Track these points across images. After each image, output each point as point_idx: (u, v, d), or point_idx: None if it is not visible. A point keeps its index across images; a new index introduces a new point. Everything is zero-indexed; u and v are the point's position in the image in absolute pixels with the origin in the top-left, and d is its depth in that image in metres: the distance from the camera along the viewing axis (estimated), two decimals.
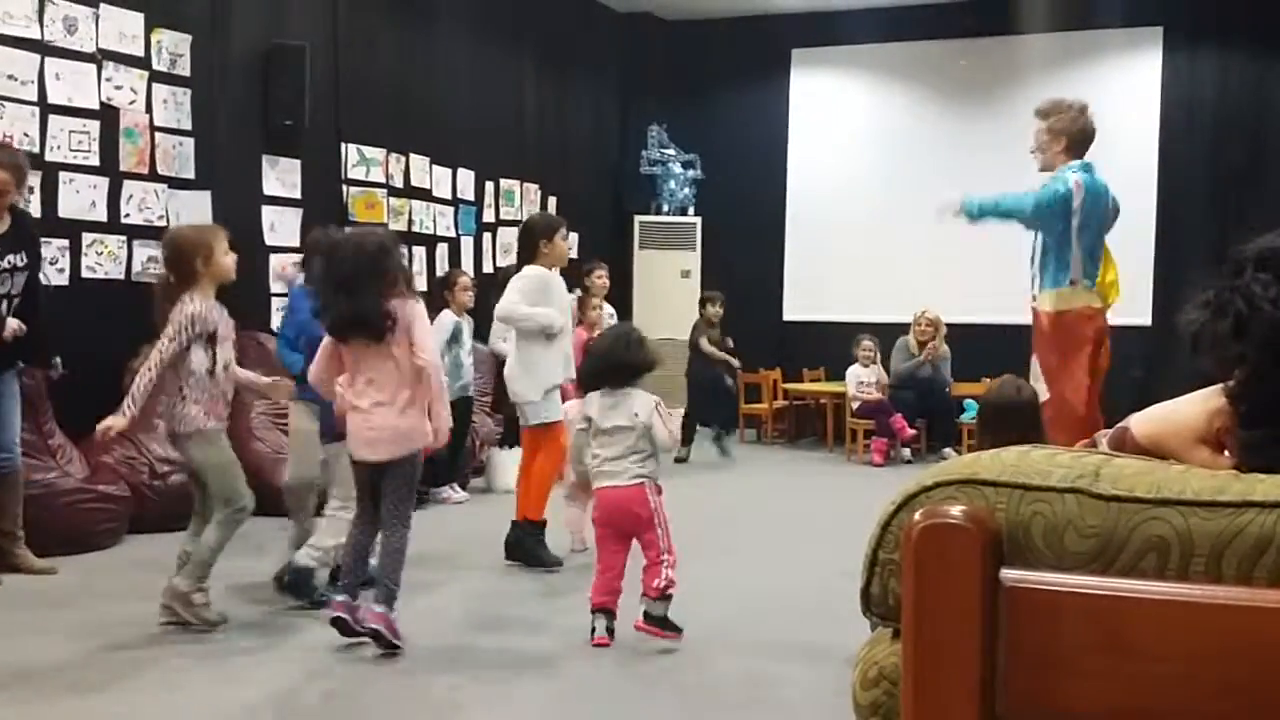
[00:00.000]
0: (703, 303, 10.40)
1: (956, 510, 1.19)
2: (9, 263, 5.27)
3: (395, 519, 4.44)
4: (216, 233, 4.81)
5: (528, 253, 5.94)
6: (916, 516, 1.20)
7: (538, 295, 5.80)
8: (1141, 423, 1.47)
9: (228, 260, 4.76)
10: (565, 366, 5.92)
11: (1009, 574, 1.18)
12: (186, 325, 4.54)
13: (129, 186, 6.95)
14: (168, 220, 7.13)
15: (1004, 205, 5.47)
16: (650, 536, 4.52)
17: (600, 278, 9.41)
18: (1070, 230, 5.29)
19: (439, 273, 9.05)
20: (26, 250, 5.37)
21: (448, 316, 7.70)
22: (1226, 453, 1.43)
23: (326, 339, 4.47)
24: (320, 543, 4.97)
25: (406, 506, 4.48)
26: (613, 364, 4.61)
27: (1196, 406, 1.45)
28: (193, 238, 4.77)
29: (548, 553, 5.83)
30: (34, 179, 6.38)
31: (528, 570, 5.78)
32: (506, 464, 8.11)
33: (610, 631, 4.52)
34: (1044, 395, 5.38)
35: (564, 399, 5.95)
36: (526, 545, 5.83)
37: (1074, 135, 5.37)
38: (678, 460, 9.46)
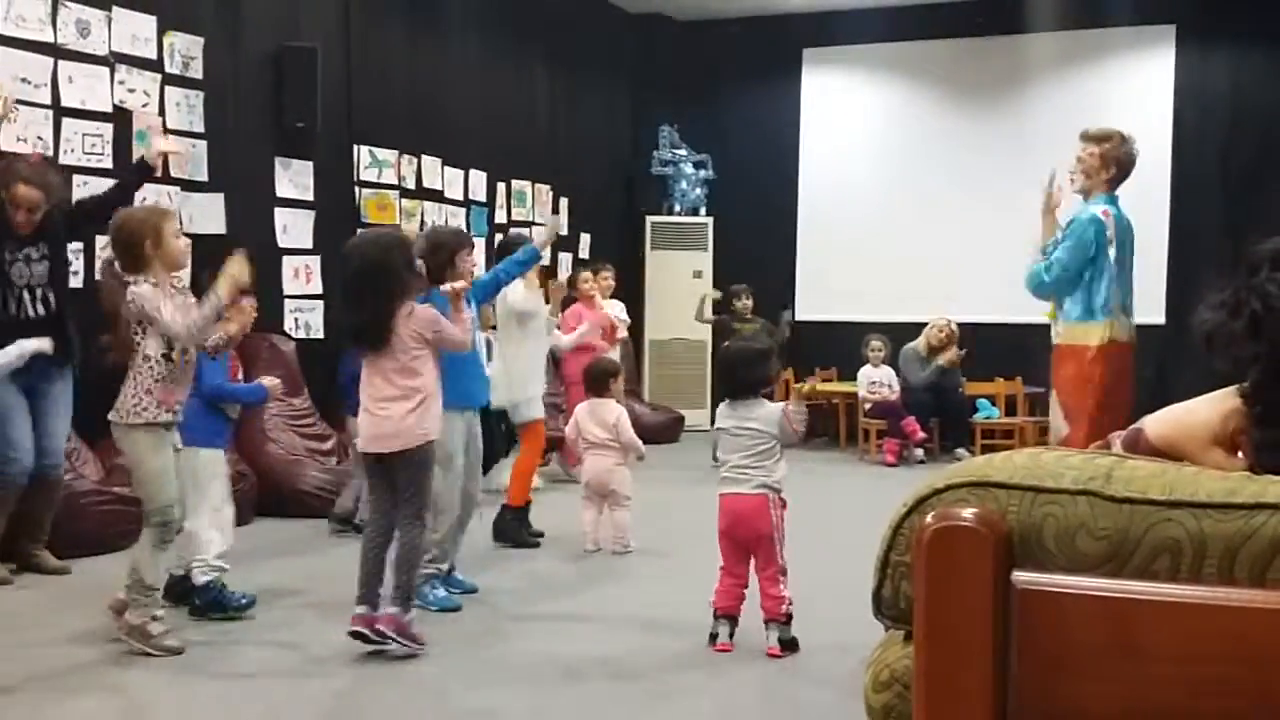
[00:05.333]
0: (729, 298, 10.19)
1: (968, 513, 1.19)
2: (25, 255, 5.39)
3: (409, 516, 4.46)
4: (165, 214, 4.56)
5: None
6: (928, 519, 1.20)
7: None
8: (1155, 424, 1.46)
9: (178, 243, 4.49)
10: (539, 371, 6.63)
11: (1021, 576, 1.17)
12: (156, 297, 4.28)
13: (141, 189, 6.95)
14: (180, 223, 7.14)
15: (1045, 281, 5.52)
16: (768, 554, 4.48)
17: (605, 279, 9.45)
18: (1107, 260, 5.34)
19: None
20: (48, 243, 5.47)
21: None
22: (1240, 454, 1.43)
23: None
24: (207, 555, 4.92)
25: (419, 504, 4.49)
26: (738, 381, 4.61)
27: (1210, 408, 1.44)
28: (140, 219, 4.47)
29: (525, 534, 6.35)
30: None
31: (537, 568, 5.82)
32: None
33: (732, 636, 4.51)
34: (1065, 431, 5.40)
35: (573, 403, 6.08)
36: (510, 528, 6.33)
37: (1124, 164, 5.45)
38: None
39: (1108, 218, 5.38)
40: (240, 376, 5.37)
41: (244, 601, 4.90)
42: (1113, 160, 5.41)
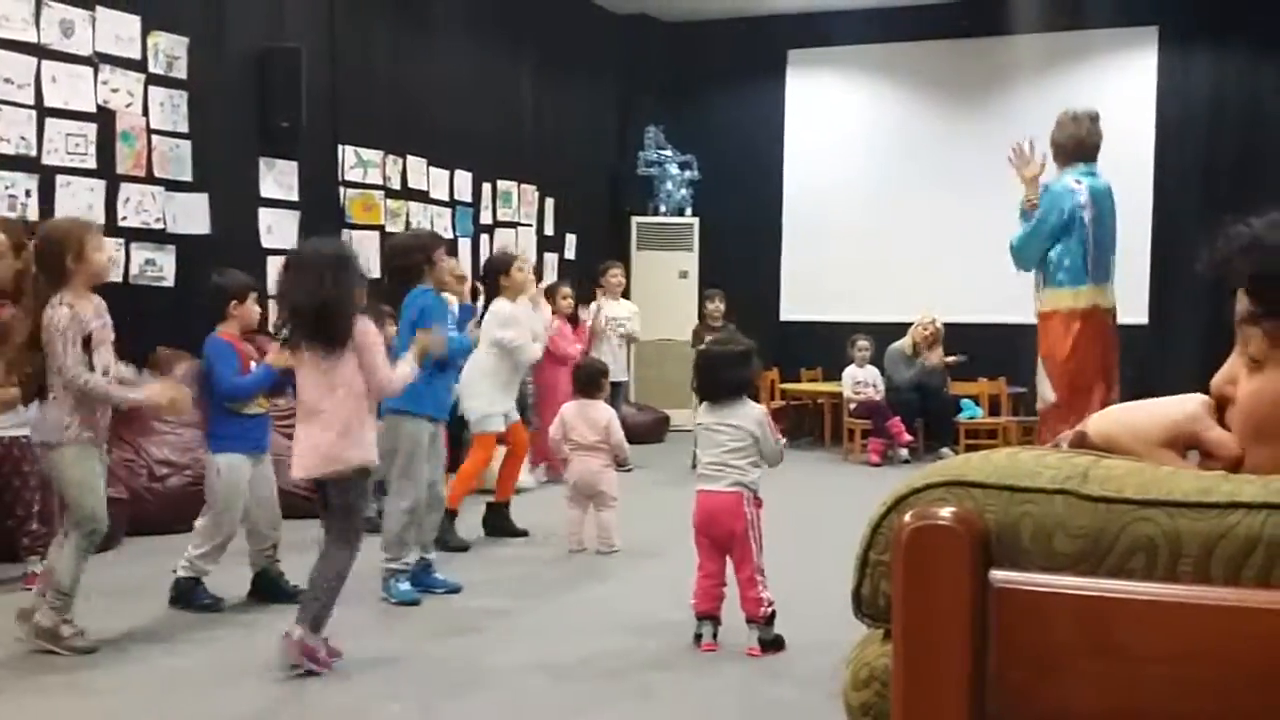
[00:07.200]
0: (701, 301, 10.31)
1: (946, 512, 1.19)
2: None
3: (333, 540, 4.27)
4: (88, 227, 4.45)
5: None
6: (906, 518, 1.20)
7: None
8: (1097, 421, 1.42)
9: (100, 257, 4.37)
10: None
11: (998, 575, 1.18)
12: (70, 330, 4.19)
13: (126, 189, 6.95)
14: (164, 223, 7.14)
15: (1015, 245, 5.68)
16: (743, 552, 4.46)
17: (615, 276, 9.48)
18: (1085, 228, 5.39)
19: None
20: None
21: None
22: (1196, 455, 1.39)
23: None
24: (190, 554, 5.00)
25: (347, 529, 4.28)
26: (721, 382, 4.57)
27: (1167, 409, 1.40)
28: (63, 231, 4.35)
29: (455, 536, 6.28)
30: (31, 182, 6.41)
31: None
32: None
33: (715, 636, 4.52)
34: (1051, 398, 5.43)
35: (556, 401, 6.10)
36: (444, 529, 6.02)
37: (1063, 144, 5.51)
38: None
39: (1079, 186, 5.45)
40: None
41: (208, 602, 4.98)
42: (1055, 142, 5.59)
